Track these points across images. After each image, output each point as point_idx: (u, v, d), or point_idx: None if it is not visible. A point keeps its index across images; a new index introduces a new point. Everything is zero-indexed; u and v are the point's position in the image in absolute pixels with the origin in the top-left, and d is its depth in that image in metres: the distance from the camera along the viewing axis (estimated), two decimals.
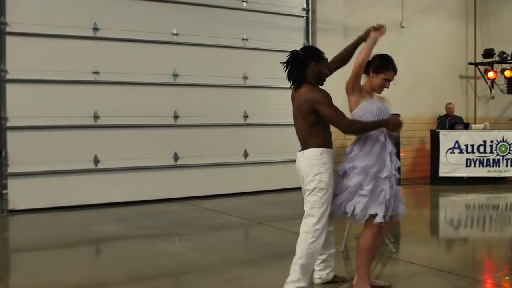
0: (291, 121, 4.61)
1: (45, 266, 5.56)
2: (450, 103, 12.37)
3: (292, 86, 4.57)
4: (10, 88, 8.38)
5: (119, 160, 9.19)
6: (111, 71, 9.08)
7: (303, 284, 4.33)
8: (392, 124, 4.40)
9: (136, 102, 9.30)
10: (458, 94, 13.51)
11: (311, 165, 4.37)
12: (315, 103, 4.33)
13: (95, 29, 8.94)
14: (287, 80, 4.60)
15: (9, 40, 8.34)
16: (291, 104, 4.58)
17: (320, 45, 10.89)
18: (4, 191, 8.37)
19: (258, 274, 5.22)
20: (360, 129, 4.38)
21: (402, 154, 12.28)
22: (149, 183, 9.39)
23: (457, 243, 6.85)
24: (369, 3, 11.89)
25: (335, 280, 4.73)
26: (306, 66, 4.47)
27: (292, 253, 4.39)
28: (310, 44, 10.88)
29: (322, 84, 4.58)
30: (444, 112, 12.47)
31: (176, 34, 9.62)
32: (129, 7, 9.22)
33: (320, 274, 4.69)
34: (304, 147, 4.47)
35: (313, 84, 4.48)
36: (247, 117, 10.31)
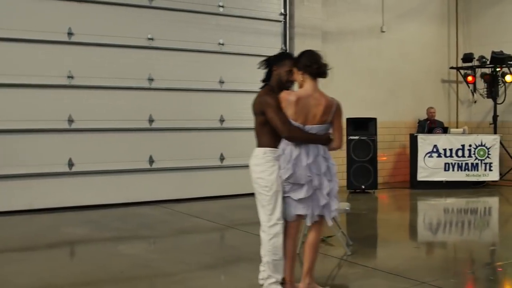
0: None
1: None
2: (431, 108, 12.44)
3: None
4: None
5: (93, 163, 9.27)
6: (86, 76, 9.18)
7: (273, 280, 4.51)
8: (324, 140, 4.52)
9: (111, 106, 9.39)
10: (440, 98, 13.57)
11: (256, 164, 4.57)
12: (264, 105, 4.47)
13: (70, 34, 9.05)
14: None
15: None
16: None
17: (297, 50, 11.00)
18: None
19: (207, 276, 5.30)
20: (298, 138, 4.43)
21: (383, 158, 12.41)
22: (123, 186, 9.48)
23: (416, 246, 6.88)
24: (349, 8, 11.97)
25: None
26: (271, 70, 4.65)
27: (251, 256, 4.50)
28: (287, 48, 11.00)
29: (286, 89, 4.62)
30: (425, 117, 12.55)
31: (152, 39, 9.72)
32: (104, 12, 9.32)
33: (263, 275, 4.76)
34: (256, 146, 4.64)
35: (274, 87, 4.60)
36: (223, 121, 10.40)
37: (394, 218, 9.01)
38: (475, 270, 5.63)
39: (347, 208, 6.11)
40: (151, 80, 9.75)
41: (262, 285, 4.62)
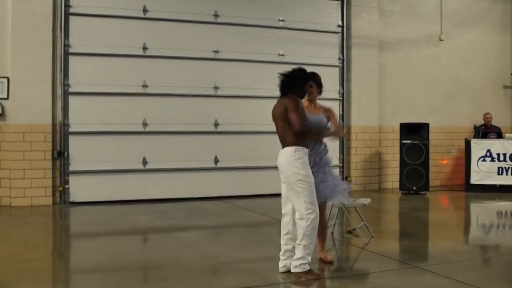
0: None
1: (77, 245, 6.94)
2: (488, 113, 12.75)
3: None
4: (72, 100, 10.00)
5: (164, 162, 10.53)
6: (158, 85, 10.48)
7: (306, 261, 5.24)
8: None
9: (180, 111, 10.62)
10: (501, 104, 13.78)
11: (288, 161, 5.29)
12: (288, 108, 5.27)
13: (144, 48, 10.38)
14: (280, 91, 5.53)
15: (71, 59, 9.97)
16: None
17: (355, 59, 11.87)
18: (66, 186, 9.96)
19: (237, 255, 6.27)
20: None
21: (444, 162, 12.91)
22: (191, 183, 10.65)
23: (432, 239, 7.47)
24: (406, 18, 12.58)
25: None
26: (297, 85, 5.44)
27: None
28: (344, 58, 11.79)
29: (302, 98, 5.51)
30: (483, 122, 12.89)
31: (217, 51, 10.86)
32: (174, 28, 10.60)
33: (284, 263, 5.47)
34: (283, 146, 5.41)
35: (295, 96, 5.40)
36: None
37: (430, 216, 9.58)
38: (472, 259, 6.22)
39: (365, 203, 6.89)
40: (216, 88, 10.88)
41: (293, 260, 5.30)
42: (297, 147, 5.29)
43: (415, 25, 12.69)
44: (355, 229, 7.16)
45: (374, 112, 12.08)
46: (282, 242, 5.47)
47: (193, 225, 8.30)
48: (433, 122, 12.00)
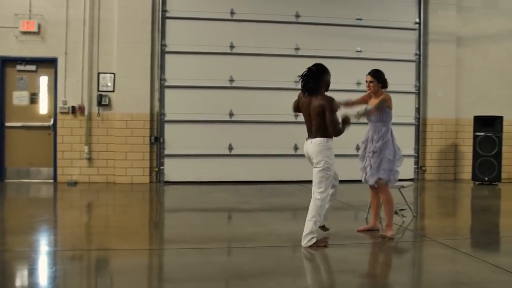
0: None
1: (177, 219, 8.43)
2: None
3: (305, 93, 6.56)
4: (167, 92, 11.54)
5: (248, 148, 11.77)
6: (244, 79, 11.74)
7: (315, 234, 6.15)
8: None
9: (263, 103, 11.77)
10: None
11: (319, 150, 6.17)
12: (325, 108, 6.22)
13: (231, 46, 11.66)
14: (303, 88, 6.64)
15: (167, 57, 11.51)
16: None
17: (432, 55, 12.38)
18: (161, 167, 11.51)
19: (267, 212, 7.36)
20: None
21: None
22: (270, 167, 11.80)
23: (465, 221, 8.27)
24: (486, 13, 12.83)
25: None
26: (319, 78, 6.48)
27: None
28: (421, 53, 12.38)
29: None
30: None
31: (298, 49, 11.90)
32: (259, 28, 11.81)
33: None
34: (314, 136, 6.26)
35: (323, 92, 6.42)
36: None
37: (482, 203, 10.19)
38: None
39: (404, 185, 7.73)
40: (297, 82, 11.86)
41: (305, 235, 6.16)
42: (328, 138, 6.20)
43: (496, 21, 12.90)
44: (402, 209, 7.94)
45: (450, 105, 12.56)
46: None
47: (260, 199, 9.61)
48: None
